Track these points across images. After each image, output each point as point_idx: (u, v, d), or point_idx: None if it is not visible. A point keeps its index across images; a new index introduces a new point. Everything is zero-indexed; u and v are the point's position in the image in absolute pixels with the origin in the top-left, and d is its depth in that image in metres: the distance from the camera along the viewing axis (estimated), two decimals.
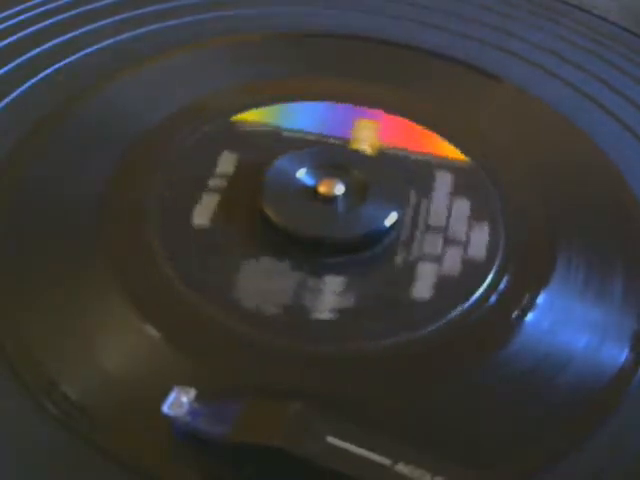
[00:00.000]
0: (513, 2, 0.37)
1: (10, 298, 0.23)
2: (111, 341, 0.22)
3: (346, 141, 0.28)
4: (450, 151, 0.28)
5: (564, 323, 0.24)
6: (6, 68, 0.30)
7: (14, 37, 0.32)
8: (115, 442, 0.20)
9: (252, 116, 0.29)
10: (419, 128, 0.29)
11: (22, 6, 0.33)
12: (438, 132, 0.29)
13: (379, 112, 0.29)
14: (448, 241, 0.25)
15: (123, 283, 0.23)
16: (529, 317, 0.23)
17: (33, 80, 0.30)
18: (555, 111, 0.31)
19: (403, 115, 0.29)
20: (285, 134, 0.28)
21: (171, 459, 0.20)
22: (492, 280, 0.24)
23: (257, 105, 0.29)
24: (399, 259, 0.25)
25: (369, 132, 0.28)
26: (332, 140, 0.28)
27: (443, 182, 0.27)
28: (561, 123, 0.30)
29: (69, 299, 0.23)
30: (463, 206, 0.26)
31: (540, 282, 0.24)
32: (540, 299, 0.24)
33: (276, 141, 0.28)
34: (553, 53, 0.34)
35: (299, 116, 0.29)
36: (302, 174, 0.26)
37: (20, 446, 0.20)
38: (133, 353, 0.22)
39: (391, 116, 0.29)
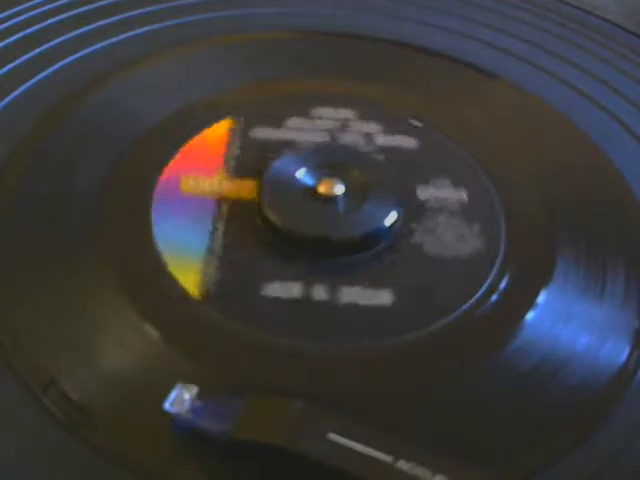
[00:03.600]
0: (513, 2, 0.37)
1: (10, 298, 0.23)
2: (111, 341, 0.22)
3: None
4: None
5: (564, 323, 0.24)
6: (6, 68, 0.30)
7: (14, 37, 0.32)
8: (115, 442, 0.20)
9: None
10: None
11: (22, 6, 0.33)
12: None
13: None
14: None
15: (123, 283, 0.23)
16: (529, 317, 0.23)
17: (33, 80, 0.30)
18: (555, 111, 0.31)
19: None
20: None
21: (171, 458, 0.20)
22: (492, 280, 0.24)
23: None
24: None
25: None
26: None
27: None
28: (561, 123, 0.30)
29: (69, 299, 0.23)
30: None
31: (540, 282, 0.24)
32: (540, 299, 0.24)
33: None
34: (553, 53, 0.34)
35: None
36: (302, 174, 0.26)
37: (20, 446, 0.20)
38: (133, 353, 0.22)
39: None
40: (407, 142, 0.28)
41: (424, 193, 0.27)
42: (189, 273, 0.24)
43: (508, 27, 0.35)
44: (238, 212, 0.25)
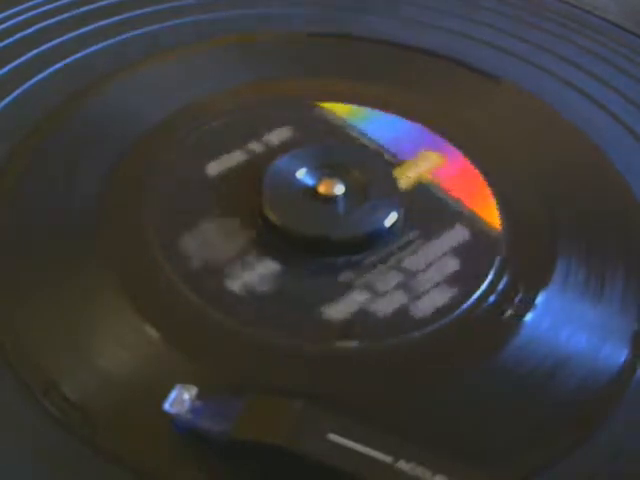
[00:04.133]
0: (513, 2, 0.37)
1: (10, 298, 0.23)
2: (111, 341, 0.22)
3: (399, 162, 0.28)
4: (488, 211, 0.27)
5: (564, 323, 0.24)
6: (6, 68, 0.30)
7: (14, 37, 0.32)
8: (115, 442, 0.20)
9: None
10: (477, 175, 0.28)
11: (22, 6, 0.33)
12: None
13: (445, 144, 0.28)
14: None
15: (123, 283, 0.23)
16: (529, 317, 0.23)
17: (33, 80, 0.30)
18: (555, 111, 0.31)
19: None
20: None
21: (171, 458, 0.20)
22: (492, 280, 0.24)
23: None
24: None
25: (427, 165, 0.28)
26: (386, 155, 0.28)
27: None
28: (561, 123, 0.30)
29: (69, 299, 0.23)
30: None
31: (540, 282, 0.24)
32: (540, 299, 0.24)
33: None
34: (553, 53, 0.34)
35: None
36: (302, 174, 0.26)
37: (19, 446, 0.20)
38: (133, 353, 0.22)
39: (456, 152, 0.28)
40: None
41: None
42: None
43: (508, 27, 0.35)
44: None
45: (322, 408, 0.19)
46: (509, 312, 0.24)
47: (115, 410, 0.21)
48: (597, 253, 0.26)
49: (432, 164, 0.28)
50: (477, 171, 0.28)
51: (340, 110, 0.29)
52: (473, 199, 0.27)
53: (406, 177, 0.27)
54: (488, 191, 0.27)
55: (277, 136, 0.28)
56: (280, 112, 0.29)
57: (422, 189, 0.27)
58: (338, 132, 0.29)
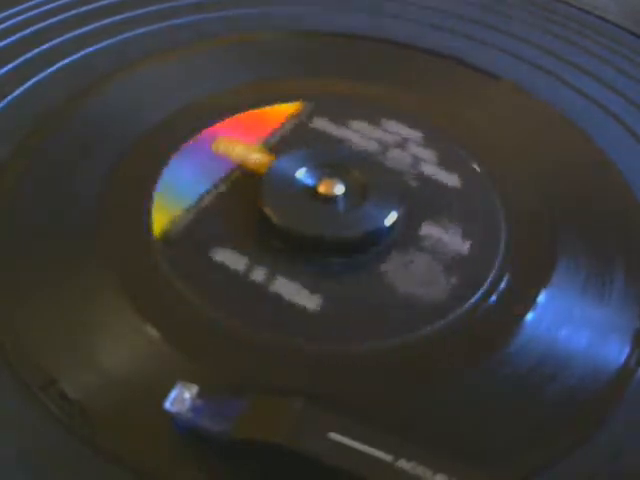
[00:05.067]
0: (513, 2, 0.37)
1: (10, 298, 0.23)
2: (111, 341, 0.22)
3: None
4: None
5: (564, 323, 0.24)
6: (6, 68, 0.30)
7: (14, 37, 0.32)
8: (115, 442, 0.20)
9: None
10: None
11: (22, 6, 0.33)
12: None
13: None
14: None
15: (123, 283, 0.23)
16: (529, 317, 0.23)
17: (33, 80, 0.30)
18: (555, 111, 0.31)
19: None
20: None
21: (171, 458, 0.20)
22: (492, 280, 0.24)
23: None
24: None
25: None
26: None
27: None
28: (561, 123, 0.30)
29: (69, 299, 0.23)
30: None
31: (540, 282, 0.24)
32: (540, 298, 0.24)
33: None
34: (553, 53, 0.34)
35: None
36: (302, 174, 0.26)
37: (19, 446, 0.20)
38: (133, 353, 0.22)
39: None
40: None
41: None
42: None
43: (508, 27, 0.35)
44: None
45: (322, 408, 0.19)
46: (509, 312, 0.24)
47: (115, 410, 0.21)
48: (597, 253, 0.26)
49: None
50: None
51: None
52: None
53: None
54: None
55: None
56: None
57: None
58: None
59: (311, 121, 0.29)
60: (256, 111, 0.29)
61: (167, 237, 0.24)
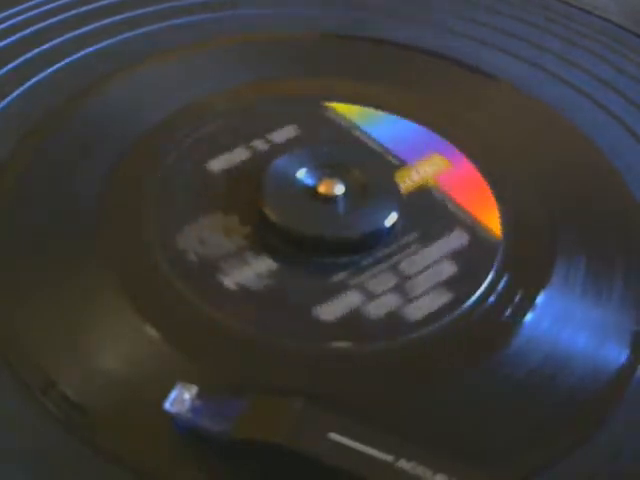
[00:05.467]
0: (513, 2, 0.37)
1: (10, 298, 0.23)
2: (111, 341, 0.22)
3: (405, 166, 0.27)
4: (488, 214, 0.26)
5: (564, 323, 0.24)
6: (6, 68, 0.30)
7: (14, 37, 0.32)
8: (115, 442, 0.20)
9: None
10: (480, 181, 0.27)
11: (22, 6, 0.33)
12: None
13: (454, 150, 0.28)
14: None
15: (123, 283, 0.23)
16: (529, 317, 0.23)
17: (33, 80, 0.30)
18: (555, 111, 0.31)
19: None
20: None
21: (171, 458, 0.20)
22: (492, 280, 0.24)
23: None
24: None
25: (433, 169, 0.27)
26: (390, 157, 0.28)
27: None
28: (561, 123, 0.30)
29: (69, 299, 0.23)
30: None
31: (540, 282, 0.24)
32: (540, 299, 0.24)
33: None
34: (553, 53, 0.34)
35: None
36: (302, 174, 0.26)
37: (19, 446, 0.20)
38: (133, 353, 0.22)
39: (463, 159, 0.28)
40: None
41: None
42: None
43: (508, 27, 0.35)
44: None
45: (322, 408, 0.19)
46: (509, 312, 0.24)
47: (115, 410, 0.21)
48: (597, 253, 0.26)
49: (436, 168, 0.28)
50: (477, 171, 0.28)
51: (341, 110, 0.29)
52: (473, 199, 0.27)
53: (408, 179, 0.27)
54: (488, 191, 0.27)
55: (277, 136, 0.28)
56: (280, 112, 0.29)
57: (422, 189, 0.27)
58: (339, 132, 0.29)
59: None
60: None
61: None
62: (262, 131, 0.28)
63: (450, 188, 0.27)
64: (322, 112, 0.29)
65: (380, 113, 0.29)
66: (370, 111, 0.29)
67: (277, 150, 0.27)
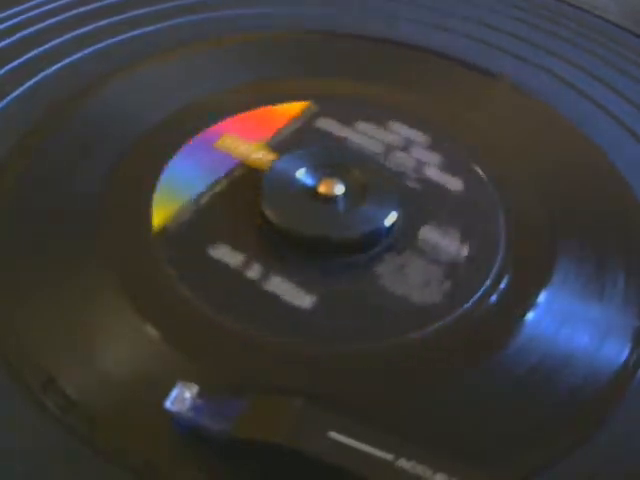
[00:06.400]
0: (513, 2, 0.37)
1: (10, 298, 0.23)
2: (111, 341, 0.22)
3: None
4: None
5: (564, 323, 0.24)
6: (6, 68, 0.30)
7: (14, 37, 0.32)
8: (115, 442, 0.20)
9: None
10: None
11: (22, 6, 0.33)
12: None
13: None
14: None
15: (123, 283, 0.23)
16: (529, 317, 0.23)
17: (33, 80, 0.30)
18: (555, 111, 0.31)
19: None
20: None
21: (171, 458, 0.20)
22: (492, 280, 0.24)
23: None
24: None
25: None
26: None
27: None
28: (561, 123, 0.30)
29: (69, 299, 0.23)
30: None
31: (540, 282, 0.24)
32: (540, 299, 0.24)
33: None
34: (553, 53, 0.34)
35: None
36: (302, 174, 0.26)
37: (20, 446, 0.20)
38: (133, 353, 0.22)
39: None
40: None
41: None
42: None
43: (508, 27, 0.35)
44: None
45: (322, 408, 0.19)
46: (509, 312, 0.24)
47: (115, 410, 0.21)
48: (597, 253, 0.26)
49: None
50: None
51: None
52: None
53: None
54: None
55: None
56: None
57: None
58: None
59: (313, 121, 0.29)
60: (259, 110, 0.29)
61: (166, 235, 0.24)
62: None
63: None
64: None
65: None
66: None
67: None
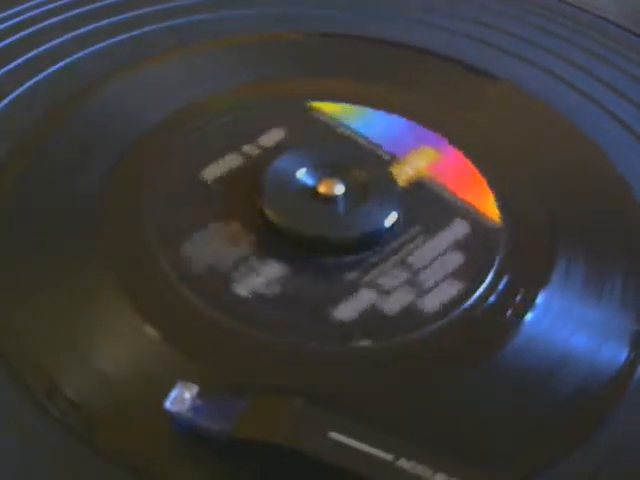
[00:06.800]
0: (512, 2, 0.37)
1: (10, 298, 0.23)
2: (111, 341, 0.22)
3: (395, 159, 0.27)
4: (486, 204, 0.27)
5: (564, 323, 0.24)
6: (6, 68, 0.30)
7: (14, 37, 0.32)
8: (115, 442, 0.20)
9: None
10: (477, 175, 0.28)
11: (22, 6, 0.33)
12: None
13: (443, 141, 0.28)
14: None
15: (123, 283, 0.23)
16: (529, 317, 0.23)
17: (33, 80, 0.30)
18: (555, 111, 0.31)
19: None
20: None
21: (171, 458, 0.20)
22: (492, 280, 0.24)
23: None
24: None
25: (423, 161, 0.28)
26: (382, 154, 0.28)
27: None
28: (561, 123, 0.30)
29: (69, 299, 0.23)
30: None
31: (540, 282, 0.24)
32: (540, 299, 0.24)
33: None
34: (553, 53, 0.34)
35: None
36: (302, 174, 0.26)
37: (20, 446, 0.20)
38: (133, 353, 0.22)
39: (456, 153, 0.28)
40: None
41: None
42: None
43: (508, 27, 0.35)
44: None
45: (322, 407, 0.19)
46: (509, 312, 0.24)
47: (115, 410, 0.21)
48: (597, 253, 0.26)
49: (428, 161, 0.28)
50: (477, 171, 0.28)
51: (338, 109, 0.29)
52: (473, 199, 0.27)
53: (405, 175, 0.27)
54: (488, 191, 0.27)
55: (277, 136, 0.28)
56: (280, 112, 0.29)
57: (422, 190, 0.27)
58: (337, 132, 0.29)
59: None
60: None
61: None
62: (262, 131, 0.28)
63: (447, 184, 0.27)
64: (309, 112, 0.29)
65: (371, 111, 0.30)
66: (361, 109, 0.30)
67: (277, 150, 0.27)
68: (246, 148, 0.28)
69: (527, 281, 0.24)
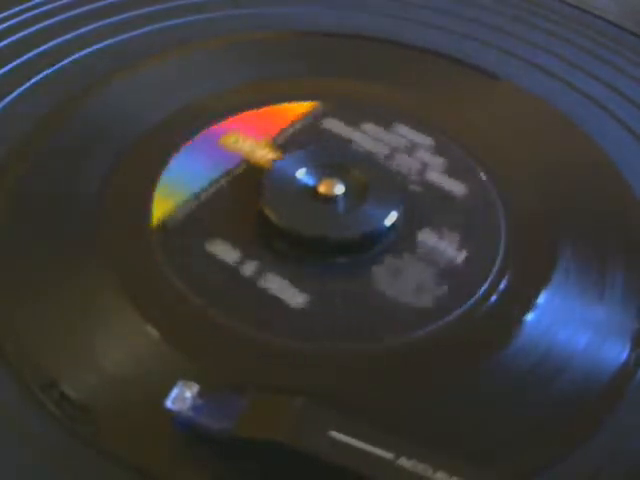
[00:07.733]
0: (513, 2, 0.37)
1: (10, 298, 0.23)
2: (111, 341, 0.22)
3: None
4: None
5: (564, 323, 0.24)
6: (6, 68, 0.30)
7: (14, 37, 0.32)
8: (115, 442, 0.20)
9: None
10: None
11: (22, 6, 0.33)
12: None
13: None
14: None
15: (123, 283, 0.23)
16: (529, 317, 0.23)
17: (33, 80, 0.30)
18: (555, 110, 0.31)
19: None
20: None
21: (171, 458, 0.20)
22: (492, 280, 0.24)
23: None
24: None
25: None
26: None
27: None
28: (561, 123, 0.30)
29: (69, 299, 0.23)
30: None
31: (540, 282, 0.24)
32: (540, 299, 0.24)
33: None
34: (553, 53, 0.34)
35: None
36: (302, 174, 0.26)
37: (20, 446, 0.20)
38: (133, 353, 0.22)
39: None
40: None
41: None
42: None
43: (508, 27, 0.35)
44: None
45: (322, 407, 0.19)
46: (509, 312, 0.24)
47: (116, 410, 0.21)
48: (597, 253, 0.26)
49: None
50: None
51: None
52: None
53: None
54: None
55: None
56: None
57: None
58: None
59: (313, 121, 0.29)
60: (262, 109, 0.29)
61: (166, 232, 0.24)
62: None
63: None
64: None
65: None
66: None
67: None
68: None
69: (527, 281, 0.24)
